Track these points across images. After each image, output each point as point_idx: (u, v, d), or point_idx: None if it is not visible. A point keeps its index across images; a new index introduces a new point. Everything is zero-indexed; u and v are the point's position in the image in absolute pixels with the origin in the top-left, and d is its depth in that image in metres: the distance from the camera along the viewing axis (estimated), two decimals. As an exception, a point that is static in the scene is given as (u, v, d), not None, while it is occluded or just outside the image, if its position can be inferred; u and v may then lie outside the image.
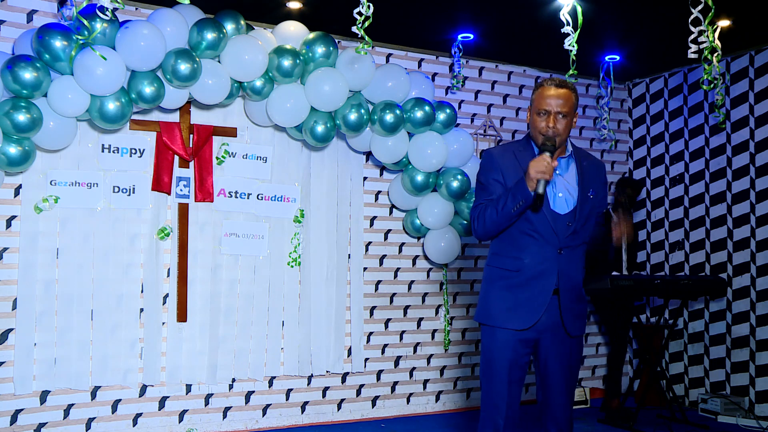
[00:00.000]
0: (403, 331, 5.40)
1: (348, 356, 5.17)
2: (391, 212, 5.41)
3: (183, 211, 4.65)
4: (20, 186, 4.28)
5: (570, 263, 2.92)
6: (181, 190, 4.64)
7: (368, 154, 5.28)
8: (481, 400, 2.98)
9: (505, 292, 2.90)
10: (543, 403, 2.99)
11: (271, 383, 4.95)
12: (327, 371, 5.10)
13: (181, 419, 4.68)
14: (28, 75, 3.77)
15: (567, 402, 2.98)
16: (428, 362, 5.47)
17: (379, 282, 5.33)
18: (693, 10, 3.60)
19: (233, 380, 4.83)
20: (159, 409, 4.62)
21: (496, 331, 2.90)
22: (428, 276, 5.51)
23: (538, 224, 2.86)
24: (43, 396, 4.31)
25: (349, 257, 5.21)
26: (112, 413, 4.50)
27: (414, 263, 5.47)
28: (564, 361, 2.95)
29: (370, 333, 5.28)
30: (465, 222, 5.17)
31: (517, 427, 2.94)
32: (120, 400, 4.52)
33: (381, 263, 5.35)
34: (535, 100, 2.91)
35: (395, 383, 5.35)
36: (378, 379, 5.30)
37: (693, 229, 5.86)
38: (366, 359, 5.24)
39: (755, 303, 5.34)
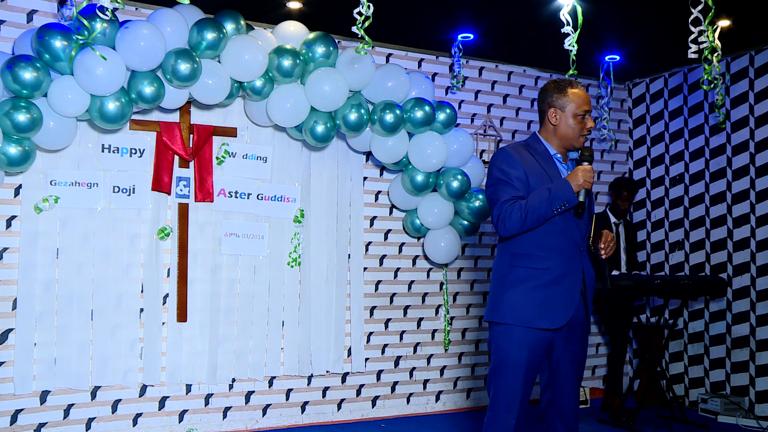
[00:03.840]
0: (403, 331, 5.40)
1: (348, 356, 5.18)
2: (391, 212, 5.41)
3: (183, 211, 4.65)
4: (20, 186, 4.28)
5: (588, 262, 2.99)
6: (181, 190, 4.64)
7: (368, 154, 5.28)
8: (492, 399, 2.93)
9: (533, 292, 2.87)
10: (551, 402, 2.97)
11: (271, 383, 4.95)
12: (327, 371, 5.10)
13: (181, 419, 4.68)
14: (28, 75, 3.77)
15: (576, 400, 2.99)
16: (428, 362, 5.47)
17: (379, 282, 5.33)
18: (693, 10, 3.60)
19: (233, 380, 4.83)
20: (159, 409, 4.62)
21: (513, 330, 2.87)
22: (428, 276, 5.51)
23: (564, 224, 2.89)
24: (43, 396, 4.31)
25: (349, 257, 5.21)
26: (112, 413, 4.50)
27: (414, 263, 5.47)
28: (578, 360, 2.96)
29: (370, 333, 5.28)
30: (465, 222, 5.17)
31: (526, 428, 2.93)
32: (120, 400, 4.52)
33: (381, 263, 5.35)
34: (572, 102, 2.94)
35: (395, 383, 5.35)
36: (378, 379, 5.30)
37: (693, 229, 5.87)
38: (366, 359, 5.24)
39: (755, 303, 5.34)
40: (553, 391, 2.96)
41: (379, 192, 5.37)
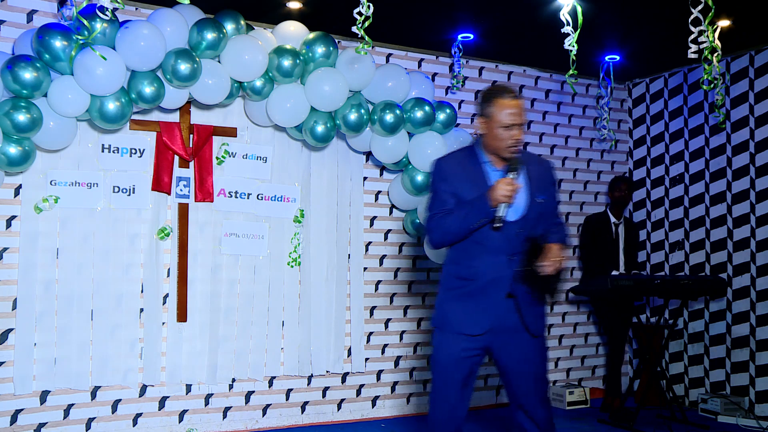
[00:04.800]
0: (403, 331, 5.40)
1: (348, 356, 5.17)
2: (391, 212, 5.41)
3: (183, 211, 4.65)
4: (20, 186, 4.28)
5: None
6: (181, 190, 4.64)
7: (368, 154, 5.28)
8: (429, 399, 3.09)
9: (460, 300, 2.98)
10: (516, 407, 3.04)
11: (271, 383, 4.95)
12: (327, 371, 5.10)
13: (181, 419, 4.68)
14: (28, 75, 3.77)
15: (542, 401, 3.02)
16: (428, 362, 5.47)
17: (379, 282, 5.33)
18: (693, 10, 3.60)
19: (233, 380, 4.83)
20: (159, 409, 4.63)
21: (446, 334, 3.00)
22: (428, 276, 5.51)
23: (490, 234, 2.92)
24: (43, 396, 4.31)
25: (349, 257, 5.21)
26: (112, 413, 4.50)
27: (414, 263, 5.47)
28: (530, 362, 2.99)
29: (370, 333, 5.28)
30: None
31: (451, 424, 3.02)
32: (120, 400, 4.52)
33: (381, 263, 5.35)
34: (496, 114, 2.92)
35: (395, 383, 5.35)
36: (378, 379, 5.30)
37: (693, 229, 5.86)
38: (366, 359, 5.24)
39: (755, 303, 5.34)
40: (514, 395, 3.03)
41: (379, 192, 5.37)
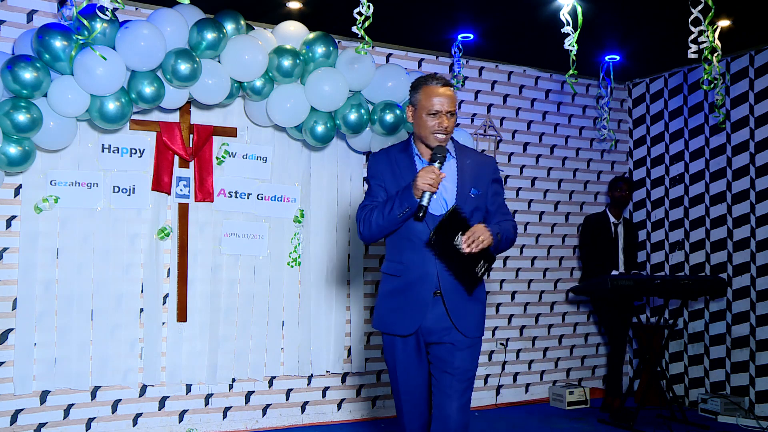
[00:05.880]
0: (403, 331, 5.39)
1: (348, 356, 5.18)
2: (391, 212, 5.39)
3: (183, 211, 4.65)
4: (20, 186, 4.28)
5: (447, 262, 2.84)
6: (181, 190, 4.64)
7: (368, 154, 5.28)
8: (394, 401, 3.07)
9: (391, 297, 2.90)
10: (433, 411, 2.89)
11: (271, 383, 4.95)
12: (327, 371, 5.10)
13: (181, 419, 4.68)
14: (28, 75, 3.77)
15: (459, 408, 2.85)
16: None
17: (378, 282, 5.33)
18: (693, 10, 3.60)
19: (233, 380, 4.83)
20: (159, 409, 4.62)
21: (385, 336, 2.95)
22: (428, 276, 5.50)
23: (416, 227, 2.83)
24: (43, 396, 4.31)
25: (349, 257, 5.21)
26: (112, 413, 4.50)
27: (414, 263, 5.46)
28: (456, 361, 2.84)
29: (370, 333, 5.28)
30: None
31: (414, 423, 2.98)
32: (120, 400, 4.52)
33: (381, 263, 5.34)
34: (422, 100, 2.84)
35: (395, 383, 5.35)
36: (378, 379, 5.30)
37: (693, 229, 5.86)
38: (366, 359, 5.24)
39: (755, 303, 5.34)
40: (435, 399, 2.89)
41: (379, 192, 5.36)
